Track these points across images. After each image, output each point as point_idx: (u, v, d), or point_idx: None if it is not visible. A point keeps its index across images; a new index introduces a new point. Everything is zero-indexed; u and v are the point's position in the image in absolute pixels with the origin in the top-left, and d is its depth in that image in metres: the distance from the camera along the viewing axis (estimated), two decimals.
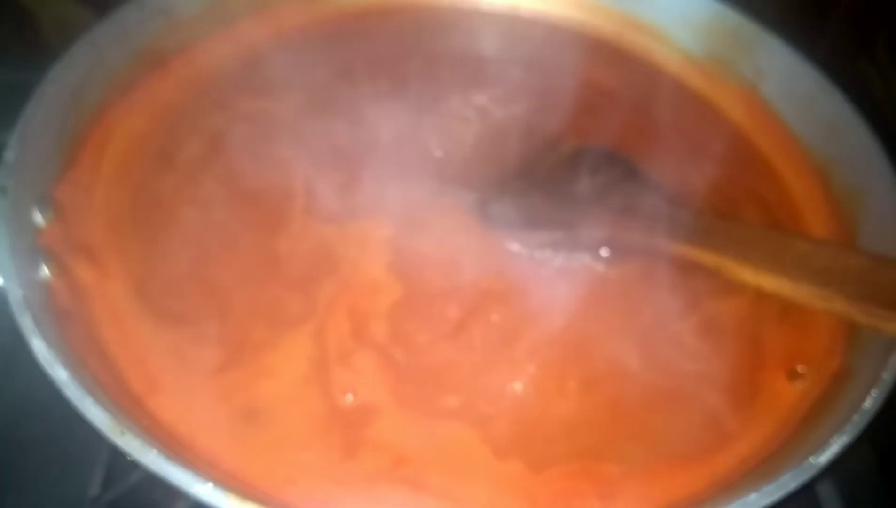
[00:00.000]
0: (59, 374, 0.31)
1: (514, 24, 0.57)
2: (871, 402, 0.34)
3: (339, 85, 0.50)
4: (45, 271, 0.37)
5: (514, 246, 0.43)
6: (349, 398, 0.36)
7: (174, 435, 0.34)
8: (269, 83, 0.49)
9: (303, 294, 0.40)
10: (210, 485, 0.29)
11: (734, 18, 0.52)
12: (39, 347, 0.32)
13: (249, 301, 0.39)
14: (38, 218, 0.38)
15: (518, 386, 0.38)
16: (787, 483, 0.31)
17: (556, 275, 0.42)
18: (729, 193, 0.47)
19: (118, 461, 0.42)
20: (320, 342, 0.38)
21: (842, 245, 0.40)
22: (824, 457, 0.32)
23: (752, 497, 0.30)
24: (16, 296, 0.33)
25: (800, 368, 0.40)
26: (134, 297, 0.39)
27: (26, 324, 0.32)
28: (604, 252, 0.42)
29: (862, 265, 0.37)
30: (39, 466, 0.43)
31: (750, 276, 0.38)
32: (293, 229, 0.43)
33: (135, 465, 0.31)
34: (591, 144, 0.48)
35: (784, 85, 0.51)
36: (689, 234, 0.40)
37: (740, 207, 0.47)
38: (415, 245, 0.43)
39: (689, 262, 0.40)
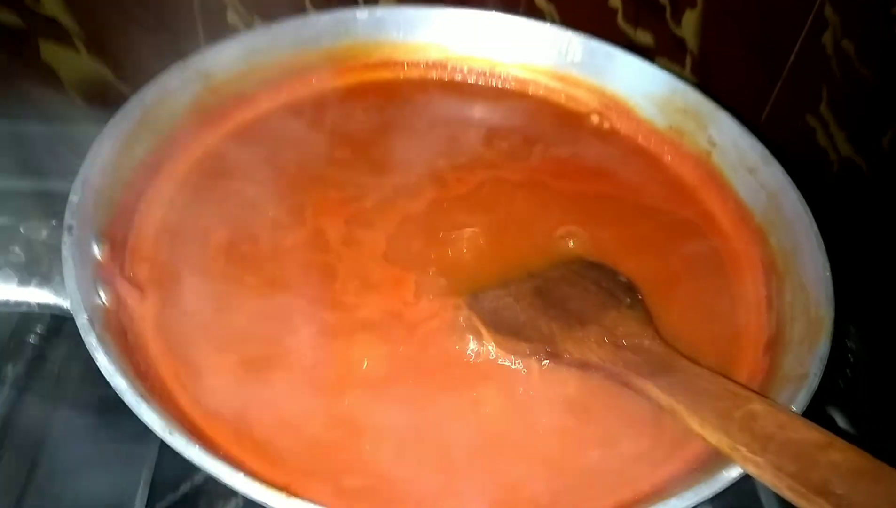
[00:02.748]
0: (119, 383, 0.37)
1: (500, 96, 0.66)
2: None
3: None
4: (102, 297, 0.43)
5: (493, 349, 0.46)
6: None
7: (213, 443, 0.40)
8: (293, 140, 0.58)
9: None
10: (243, 477, 0.35)
11: (692, 95, 0.60)
12: (102, 361, 0.38)
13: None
14: (96, 251, 0.45)
15: None
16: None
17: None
18: (682, 245, 0.55)
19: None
20: None
21: (796, 415, 0.39)
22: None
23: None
24: (81, 320, 0.39)
25: None
26: (172, 320, 0.46)
27: (91, 342, 0.39)
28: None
29: (805, 440, 0.36)
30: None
31: (696, 425, 0.39)
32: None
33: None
34: (597, 261, 0.52)
35: (733, 155, 0.58)
36: (655, 372, 0.43)
37: (690, 259, 0.54)
38: None
39: (647, 395, 0.42)
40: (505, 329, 0.46)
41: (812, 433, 0.37)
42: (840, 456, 0.35)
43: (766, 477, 0.36)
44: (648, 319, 0.47)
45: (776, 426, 0.37)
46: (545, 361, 0.45)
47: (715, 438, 0.38)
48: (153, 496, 0.48)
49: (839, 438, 0.36)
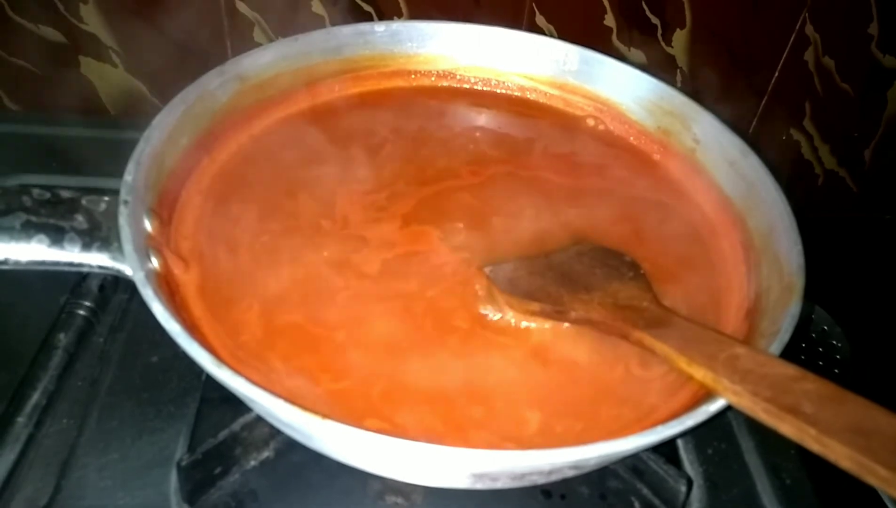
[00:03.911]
0: (173, 327, 0.42)
1: (504, 102, 0.72)
2: None
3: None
4: (154, 263, 0.48)
5: (510, 312, 0.52)
6: None
7: None
8: (316, 139, 0.64)
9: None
10: (283, 402, 0.40)
11: (678, 98, 0.66)
12: (158, 309, 0.43)
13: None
14: (147, 225, 0.50)
15: None
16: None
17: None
18: (671, 231, 0.61)
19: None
20: None
21: (773, 356, 0.43)
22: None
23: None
24: (139, 276, 0.45)
25: None
26: (212, 289, 0.51)
27: (148, 294, 0.44)
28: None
29: (781, 374, 0.41)
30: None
31: (684, 365, 0.44)
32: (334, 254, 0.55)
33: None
34: (602, 244, 0.57)
35: (715, 151, 0.64)
36: (650, 325, 0.48)
37: (678, 243, 0.60)
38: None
39: (643, 344, 0.47)
40: (518, 292, 0.52)
41: (787, 369, 0.41)
42: (811, 385, 0.40)
43: (744, 403, 0.40)
44: (648, 286, 0.52)
45: (755, 364, 0.42)
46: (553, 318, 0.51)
47: (700, 373, 0.43)
48: (193, 442, 0.53)
49: (812, 373, 0.41)
